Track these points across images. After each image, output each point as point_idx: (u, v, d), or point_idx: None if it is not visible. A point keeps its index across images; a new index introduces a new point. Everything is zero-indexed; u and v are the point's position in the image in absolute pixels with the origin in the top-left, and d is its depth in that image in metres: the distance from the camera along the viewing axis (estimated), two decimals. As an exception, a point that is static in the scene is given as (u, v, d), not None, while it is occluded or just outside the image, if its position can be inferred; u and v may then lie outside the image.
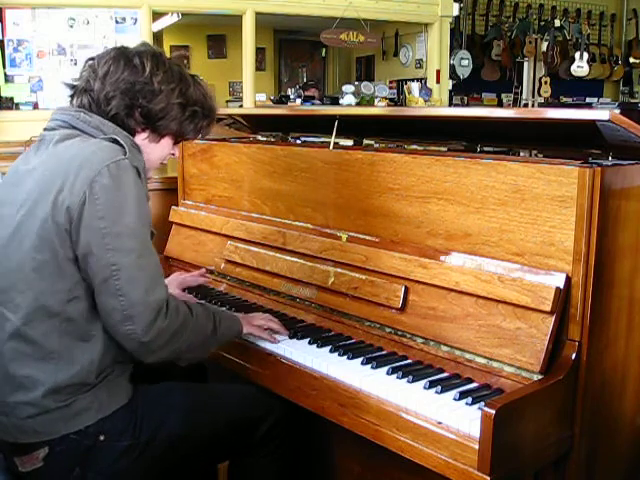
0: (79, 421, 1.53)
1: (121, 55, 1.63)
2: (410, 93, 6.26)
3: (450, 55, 7.09)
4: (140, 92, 1.61)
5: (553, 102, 8.14)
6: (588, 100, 8.58)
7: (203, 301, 2.11)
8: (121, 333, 1.50)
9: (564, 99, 8.58)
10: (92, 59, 1.66)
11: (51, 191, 1.49)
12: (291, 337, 1.87)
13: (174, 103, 1.65)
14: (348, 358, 1.72)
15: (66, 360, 1.51)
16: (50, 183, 1.50)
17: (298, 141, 2.53)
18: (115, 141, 1.55)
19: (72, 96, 1.66)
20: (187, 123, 1.70)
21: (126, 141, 1.57)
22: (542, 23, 8.35)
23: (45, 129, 1.64)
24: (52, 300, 1.50)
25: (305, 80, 8.94)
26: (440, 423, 1.44)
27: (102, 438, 1.54)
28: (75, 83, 1.66)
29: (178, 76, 1.67)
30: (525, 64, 8.47)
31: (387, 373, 1.63)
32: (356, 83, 6.74)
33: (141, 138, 1.66)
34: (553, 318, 1.50)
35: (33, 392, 1.50)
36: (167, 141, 1.71)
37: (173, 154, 1.78)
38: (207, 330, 1.65)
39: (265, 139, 2.60)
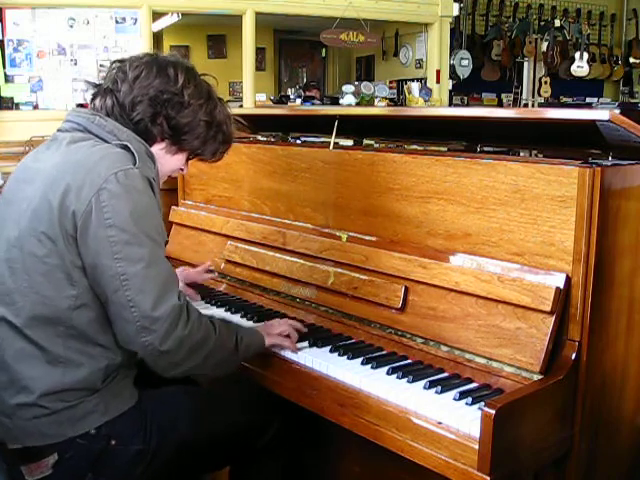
0: (85, 423, 1.50)
1: (154, 62, 1.60)
2: (410, 93, 6.27)
3: (450, 55, 7.10)
4: (169, 102, 1.58)
5: (553, 102, 8.15)
6: (588, 100, 8.59)
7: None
8: (138, 345, 1.46)
9: (564, 99, 8.59)
10: (121, 61, 1.62)
11: (57, 193, 1.46)
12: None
13: (200, 120, 1.62)
14: (348, 358, 1.71)
15: (74, 365, 1.49)
16: (56, 185, 1.47)
17: (298, 141, 2.53)
18: (126, 148, 1.52)
19: (95, 96, 1.61)
20: (210, 143, 1.68)
21: (139, 149, 1.53)
22: (542, 23, 8.37)
23: (59, 130, 1.62)
24: (58, 307, 1.47)
25: (305, 80, 8.95)
26: (440, 423, 1.44)
27: (113, 442, 1.52)
28: (99, 82, 1.62)
29: (207, 93, 1.65)
30: (525, 64, 8.49)
31: (387, 373, 1.63)
32: (356, 83, 6.75)
33: (158, 147, 1.63)
34: (553, 318, 1.50)
35: (37, 394, 1.47)
36: (181, 156, 1.68)
37: (182, 170, 1.74)
38: (229, 347, 1.61)
39: (265, 139, 2.60)
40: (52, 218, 1.46)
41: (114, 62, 1.64)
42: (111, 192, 1.44)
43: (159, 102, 1.57)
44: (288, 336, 1.79)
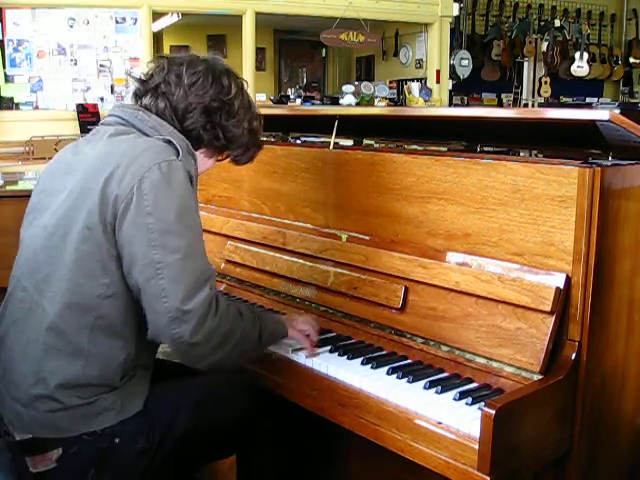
0: (99, 421, 1.50)
1: (209, 70, 1.62)
2: (410, 93, 6.27)
3: (450, 55, 7.11)
4: (220, 110, 1.61)
5: (553, 102, 8.15)
6: (588, 100, 8.59)
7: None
8: (168, 337, 1.44)
9: (564, 99, 8.59)
10: (171, 61, 1.63)
11: (99, 182, 1.46)
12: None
13: (245, 128, 1.66)
14: (348, 358, 1.71)
15: (95, 359, 1.49)
16: (98, 174, 1.48)
17: (298, 141, 2.53)
18: (170, 142, 1.54)
19: (143, 93, 1.62)
20: (249, 149, 1.71)
21: (181, 145, 1.55)
22: (542, 23, 8.38)
23: (101, 123, 1.64)
24: (90, 295, 1.47)
25: (305, 80, 8.96)
26: (440, 423, 1.44)
27: (117, 440, 1.52)
28: (145, 78, 1.63)
29: (248, 102, 1.69)
30: (525, 64, 8.50)
31: (387, 373, 1.63)
32: (356, 83, 6.75)
33: (201, 151, 1.66)
34: (553, 318, 1.50)
35: (56, 387, 1.47)
36: (215, 160, 1.72)
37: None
38: (254, 337, 1.61)
39: (265, 139, 2.60)
40: (92, 207, 1.46)
41: (160, 59, 1.65)
42: (153, 181, 1.44)
43: (212, 110, 1.60)
44: (308, 336, 1.78)
